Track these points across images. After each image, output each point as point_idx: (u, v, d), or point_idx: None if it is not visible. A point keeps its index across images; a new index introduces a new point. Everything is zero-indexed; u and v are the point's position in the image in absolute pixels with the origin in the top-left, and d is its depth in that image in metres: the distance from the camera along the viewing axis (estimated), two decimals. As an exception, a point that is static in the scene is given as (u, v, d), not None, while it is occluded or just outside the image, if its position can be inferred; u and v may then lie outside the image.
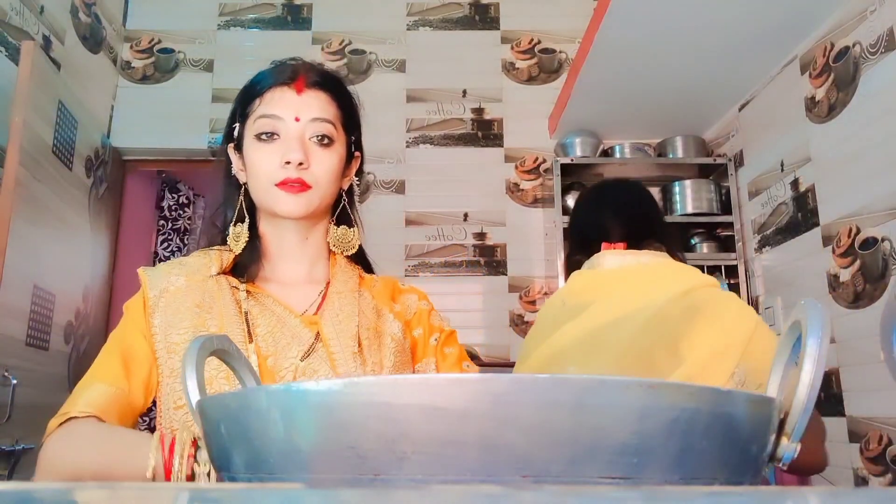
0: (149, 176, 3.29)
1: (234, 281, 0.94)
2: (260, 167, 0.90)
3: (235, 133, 0.95)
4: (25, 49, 2.14)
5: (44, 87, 2.23)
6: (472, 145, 3.10)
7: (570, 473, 0.31)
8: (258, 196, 0.92)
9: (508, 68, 3.20)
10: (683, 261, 1.25)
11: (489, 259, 2.97)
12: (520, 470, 0.31)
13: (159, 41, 3.17)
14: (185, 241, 3.36)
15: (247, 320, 0.88)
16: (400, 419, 0.31)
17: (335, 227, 0.98)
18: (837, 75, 2.11)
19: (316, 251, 0.98)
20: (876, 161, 1.93)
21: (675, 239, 1.27)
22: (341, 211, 0.98)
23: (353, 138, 0.98)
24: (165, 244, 3.26)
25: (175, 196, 3.35)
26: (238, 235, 0.93)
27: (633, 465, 0.32)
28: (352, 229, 0.99)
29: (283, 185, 0.88)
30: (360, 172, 1.03)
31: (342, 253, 0.97)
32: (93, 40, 2.88)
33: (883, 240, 1.89)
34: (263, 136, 0.90)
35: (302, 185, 0.89)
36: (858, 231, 1.99)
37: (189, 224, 3.40)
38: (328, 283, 0.97)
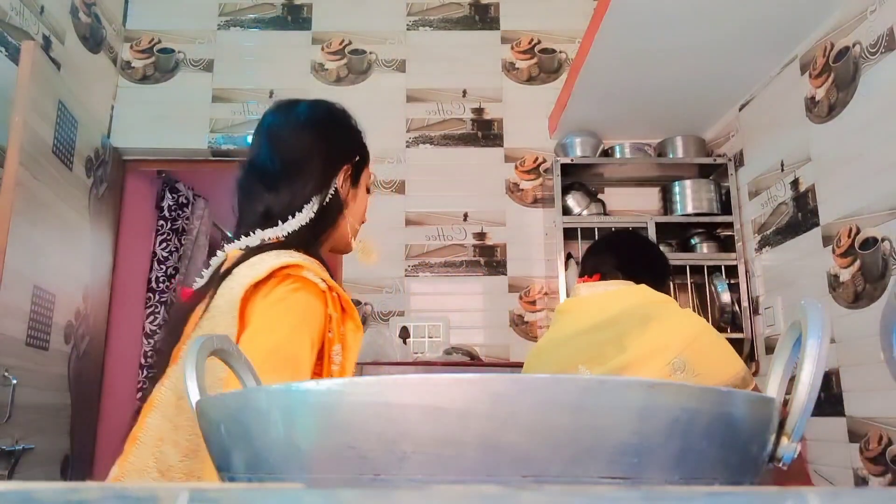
0: (149, 176, 3.28)
1: None
2: (363, 215, 1.09)
3: (356, 160, 1.07)
4: (25, 49, 2.14)
5: (44, 87, 2.23)
6: (472, 145, 3.10)
7: (570, 473, 0.31)
8: (349, 229, 1.06)
9: (508, 68, 3.20)
10: (667, 291, 1.49)
11: (489, 259, 2.97)
12: (520, 470, 0.31)
13: (159, 41, 3.17)
14: (182, 242, 3.36)
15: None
16: (400, 419, 0.31)
17: None
18: (837, 75, 2.11)
19: None
20: (876, 161, 1.92)
21: (659, 273, 1.54)
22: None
23: None
24: (164, 244, 3.25)
25: (175, 196, 3.35)
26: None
27: (634, 465, 0.32)
28: None
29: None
30: None
31: None
32: (93, 40, 2.88)
33: (883, 240, 1.89)
34: (370, 191, 1.10)
35: None
36: (858, 231, 1.99)
37: (186, 224, 3.39)
38: None
